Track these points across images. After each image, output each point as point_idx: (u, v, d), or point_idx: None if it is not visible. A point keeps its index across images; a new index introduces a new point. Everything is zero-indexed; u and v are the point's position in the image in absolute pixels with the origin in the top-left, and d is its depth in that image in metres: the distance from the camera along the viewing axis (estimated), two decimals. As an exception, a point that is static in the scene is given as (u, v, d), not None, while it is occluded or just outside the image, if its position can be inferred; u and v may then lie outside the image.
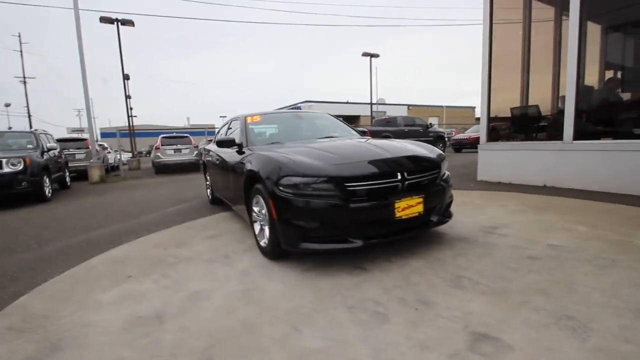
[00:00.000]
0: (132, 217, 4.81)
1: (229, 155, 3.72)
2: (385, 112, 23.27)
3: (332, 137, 3.64)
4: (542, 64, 5.91)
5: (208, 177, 5.27)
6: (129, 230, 3.99)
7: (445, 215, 2.82)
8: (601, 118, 5.04)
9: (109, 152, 15.10)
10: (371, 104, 23.27)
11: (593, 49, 5.47)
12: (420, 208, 2.45)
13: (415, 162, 2.64)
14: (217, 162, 4.30)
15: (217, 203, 5.20)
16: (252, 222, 2.99)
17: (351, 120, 29.77)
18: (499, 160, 5.80)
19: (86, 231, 4.13)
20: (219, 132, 5.40)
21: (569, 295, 1.89)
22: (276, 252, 2.58)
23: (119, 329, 1.85)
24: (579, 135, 4.76)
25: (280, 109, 32.48)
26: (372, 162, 2.46)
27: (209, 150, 5.09)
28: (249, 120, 3.80)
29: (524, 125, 5.96)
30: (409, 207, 2.39)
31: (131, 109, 17.58)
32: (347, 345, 1.58)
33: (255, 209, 2.86)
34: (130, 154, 19.63)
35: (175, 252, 3.10)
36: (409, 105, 38.89)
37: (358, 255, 2.61)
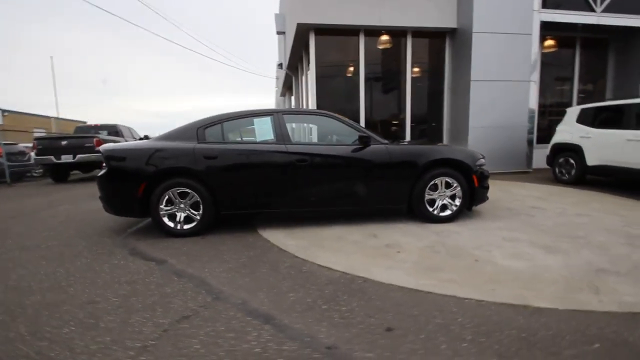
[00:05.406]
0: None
1: (338, 150, 3.72)
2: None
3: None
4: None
5: (204, 188, 3.42)
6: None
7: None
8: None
9: None
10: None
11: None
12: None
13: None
14: (279, 162, 3.58)
15: (214, 225, 3.66)
16: (418, 203, 3.71)
17: None
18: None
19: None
20: (211, 125, 3.65)
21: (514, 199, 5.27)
22: (463, 211, 3.83)
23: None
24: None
25: None
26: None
27: (214, 151, 3.49)
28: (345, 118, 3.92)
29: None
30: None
31: None
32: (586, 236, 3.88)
33: (430, 189, 3.72)
34: None
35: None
36: (3, 111, 28.48)
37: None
